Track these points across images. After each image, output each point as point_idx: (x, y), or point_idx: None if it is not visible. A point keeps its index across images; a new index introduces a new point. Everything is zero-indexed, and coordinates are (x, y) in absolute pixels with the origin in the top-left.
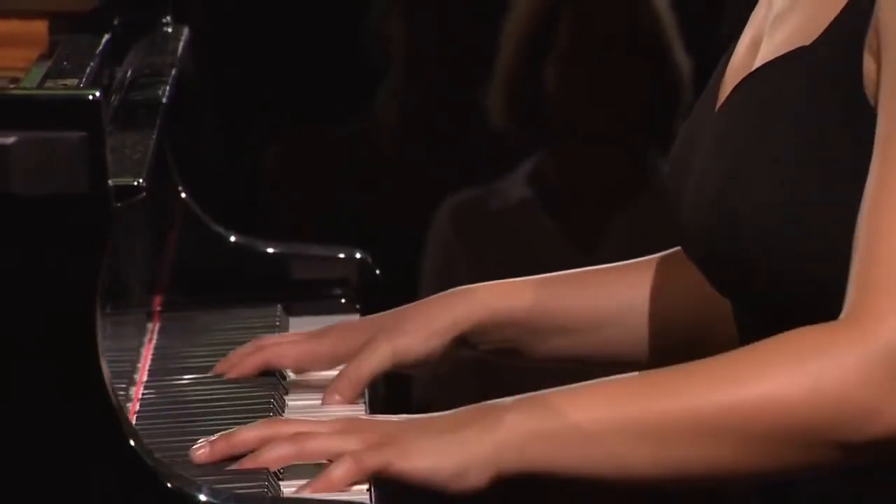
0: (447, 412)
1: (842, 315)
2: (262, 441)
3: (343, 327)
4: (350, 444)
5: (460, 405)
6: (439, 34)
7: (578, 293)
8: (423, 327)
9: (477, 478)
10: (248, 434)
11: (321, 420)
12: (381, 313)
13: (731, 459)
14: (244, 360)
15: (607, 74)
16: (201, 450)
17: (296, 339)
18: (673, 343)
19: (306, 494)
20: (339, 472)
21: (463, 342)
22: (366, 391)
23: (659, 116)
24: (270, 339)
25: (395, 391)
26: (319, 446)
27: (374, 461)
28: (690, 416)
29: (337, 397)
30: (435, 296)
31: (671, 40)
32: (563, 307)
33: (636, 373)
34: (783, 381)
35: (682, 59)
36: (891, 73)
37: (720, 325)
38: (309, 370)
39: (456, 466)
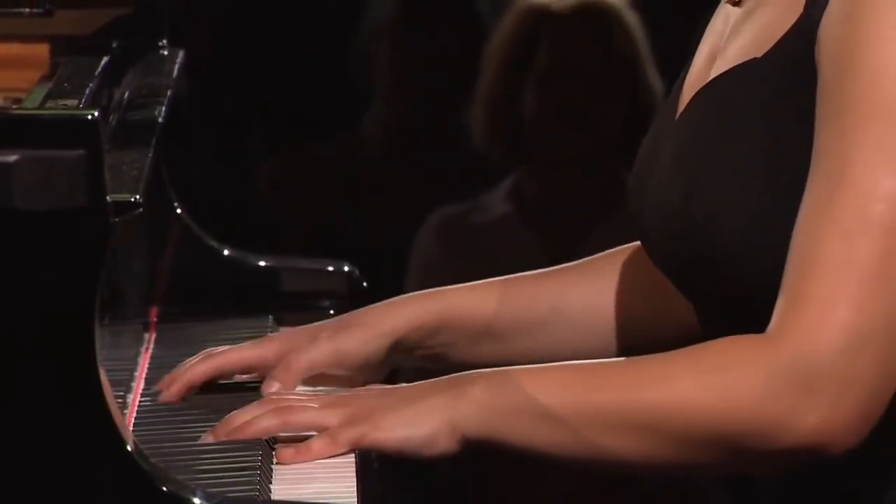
0: (419, 383)
1: (769, 327)
2: (254, 416)
3: (289, 331)
4: (329, 418)
5: None
6: (424, 57)
7: (510, 298)
8: (363, 330)
9: (445, 444)
10: (243, 413)
11: (309, 396)
12: (327, 320)
13: (650, 453)
14: (193, 368)
15: (583, 96)
16: (206, 437)
17: (244, 345)
18: (608, 343)
19: (288, 460)
20: (318, 444)
21: (402, 347)
22: None
23: (632, 136)
24: (220, 349)
25: None
26: (302, 419)
27: (350, 434)
28: (617, 410)
29: (275, 385)
30: (381, 302)
31: (645, 64)
32: (494, 312)
33: (590, 361)
34: (694, 387)
35: (655, 82)
36: (827, 90)
37: (660, 323)
38: (257, 373)
39: (426, 435)
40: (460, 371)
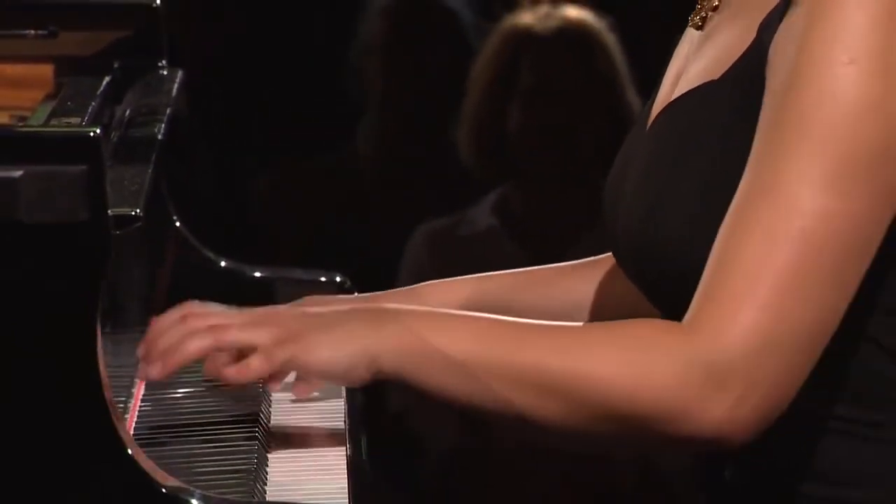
0: (341, 308)
1: (685, 318)
2: (183, 338)
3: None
4: (261, 337)
5: (437, 410)
6: (414, 76)
7: (531, 290)
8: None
9: (362, 373)
10: (168, 338)
11: (231, 312)
12: (333, 298)
13: (558, 416)
14: (190, 342)
15: (564, 114)
16: (142, 371)
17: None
18: None
19: (225, 375)
20: (255, 363)
21: None
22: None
23: (611, 153)
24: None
25: (372, 397)
26: (234, 337)
27: (282, 355)
28: (532, 370)
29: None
30: (400, 289)
31: (622, 84)
32: (516, 303)
33: (518, 319)
34: (611, 362)
35: (633, 101)
36: (770, 103)
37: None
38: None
39: (346, 361)
40: None
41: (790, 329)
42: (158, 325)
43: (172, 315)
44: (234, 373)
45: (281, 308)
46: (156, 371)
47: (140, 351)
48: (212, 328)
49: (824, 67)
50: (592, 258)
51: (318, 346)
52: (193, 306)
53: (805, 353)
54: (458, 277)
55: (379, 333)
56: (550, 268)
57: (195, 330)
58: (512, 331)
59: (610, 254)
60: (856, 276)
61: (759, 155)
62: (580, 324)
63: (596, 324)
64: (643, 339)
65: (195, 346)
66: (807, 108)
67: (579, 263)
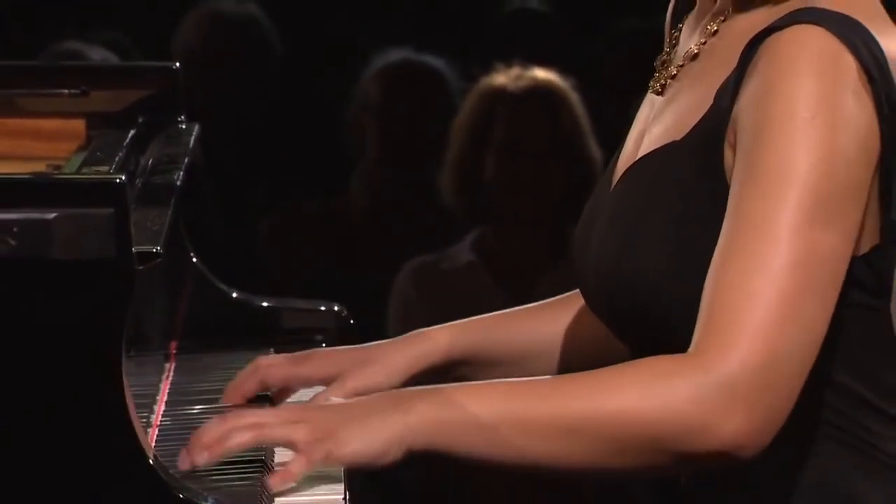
0: (369, 397)
1: (690, 349)
2: (228, 433)
3: (322, 355)
4: (298, 434)
5: None
6: (402, 132)
7: (510, 330)
8: (385, 367)
9: (395, 455)
10: (213, 433)
11: (266, 410)
12: (354, 347)
13: (586, 457)
14: (245, 383)
15: (534, 164)
16: (185, 460)
17: (284, 361)
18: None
19: (277, 487)
20: (296, 466)
21: (417, 380)
22: None
23: (575, 197)
24: (266, 359)
25: None
26: (274, 434)
27: (319, 453)
28: (558, 418)
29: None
30: (399, 338)
31: (585, 137)
32: (499, 343)
33: (530, 378)
34: (636, 397)
35: (595, 152)
36: (745, 157)
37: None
38: (293, 389)
39: (379, 448)
40: None
41: (787, 347)
42: (203, 427)
43: (216, 420)
44: (279, 480)
45: (311, 405)
46: (201, 458)
47: (192, 451)
48: (253, 425)
49: (790, 124)
50: (561, 296)
51: (351, 440)
52: (234, 411)
53: (801, 368)
54: (459, 322)
55: (408, 417)
56: (531, 307)
57: (237, 426)
58: (530, 388)
59: (573, 292)
60: (834, 299)
61: (740, 203)
62: (596, 371)
63: (605, 368)
64: (656, 371)
65: (237, 440)
66: (780, 159)
67: (550, 302)
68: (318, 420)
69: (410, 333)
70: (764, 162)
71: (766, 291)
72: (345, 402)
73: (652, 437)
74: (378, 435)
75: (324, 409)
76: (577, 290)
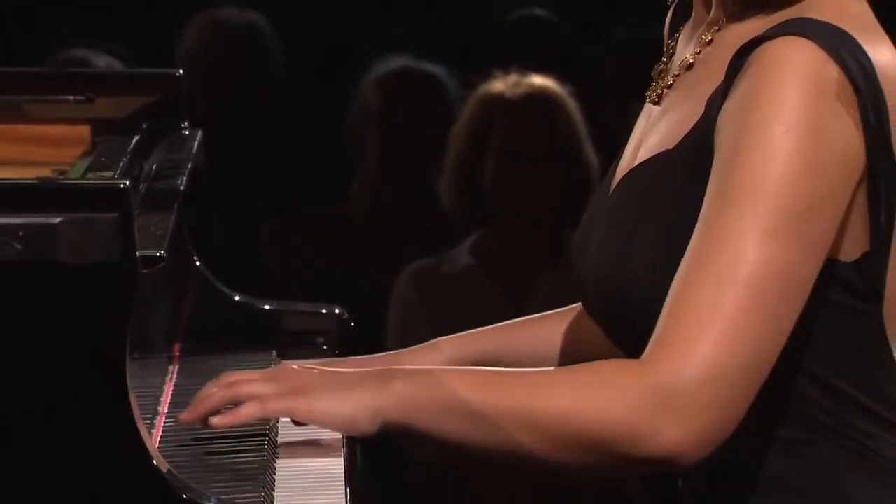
0: (355, 371)
1: (643, 354)
2: (206, 394)
3: (291, 369)
4: (267, 388)
5: None
6: (402, 137)
7: (520, 340)
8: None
9: (366, 425)
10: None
11: (255, 371)
12: (363, 358)
13: (541, 450)
14: (213, 396)
15: (532, 169)
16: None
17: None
18: None
19: (217, 424)
20: (246, 410)
21: None
22: None
23: (572, 201)
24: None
25: None
26: (244, 391)
27: (281, 405)
28: (506, 411)
29: None
30: (408, 349)
31: (582, 143)
32: (509, 352)
33: (500, 369)
34: (574, 398)
35: (591, 157)
36: (719, 167)
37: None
38: None
39: (347, 414)
40: None
41: (735, 362)
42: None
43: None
44: (219, 419)
45: (299, 365)
46: (188, 417)
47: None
48: (231, 384)
49: (764, 136)
50: (562, 309)
51: (319, 401)
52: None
53: (748, 383)
54: (468, 332)
55: (383, 390)
56: (539, 317)
57: (217, 384)
58: (497, 379)
59: (574, 305)
60: (792, 315)
61: (709, 211)
62: (553, 368)
63: (565, 367)
64: (601, 375)
65: (216, 398)
66: (749, 171)
67: (550, 314)
68: (296, 378)
69: (421, 345)
70: (734, 173)
71: (716, 304)
72: (330, 370)
73: (589, 438)
74: (348, 402)
75: (307, 370)
76: (578, 303)
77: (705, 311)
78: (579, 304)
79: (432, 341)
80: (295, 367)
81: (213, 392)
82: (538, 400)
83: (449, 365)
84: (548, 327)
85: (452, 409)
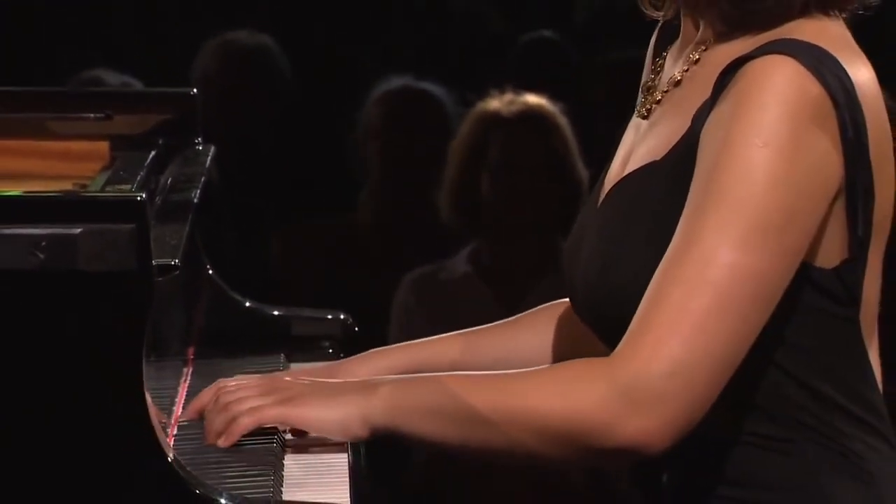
0: (342, 381)
1: (614, 351)
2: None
3: (291, 375)
4: (260, 401)
5: None
6: (403, 153)
7: (467, 349)
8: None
9: (357, 430)
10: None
11: (252, 383)
12: (316, 368)
13: (517, 445)
14: (213, 423)
15: (526, 182)
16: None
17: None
18: None
19: (222, 444)
20: (243, 421)
21: None
22: None
23: (564, 213)
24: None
25: None
26: (239, 409)
27: (272, 413)
28: (489, 412)
29: None
30: (358, 356)
31: (573, 158)
32: (453, 362)
33: (477, 373)
34: (548, 395)
35: (581, 172)
36: (698, 176)
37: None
38: None
39: (336, 419)
40: None
41: (699, 359)
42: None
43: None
44: (224, 441)
45: (287, 375)
46: (222, 443)
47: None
48: (231, 404)
49: (743, 149)
50: (545, 305)
51: (310, 407)
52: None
53: (712, 381)
54: (445, 335)
55: (370, 398)
56: (514, 320)
57: (214, 408)
58: (475, 381)
59: (557, 302)
60: (760, 318)
61: (686, 218)
62: (528, 370)
63: (538, 367)
64: (572, 372)
65: (215, 429)
66: (727, 182)
67: (537, 311)
68: (288, 388)
69: (371, 351)
70: (713, 182)
71: (685, 306)
72: (319, 380)
73: (560, 431)
74: (336, 408)
75: (296, 382)
76: (544, 306)
77: (675, 312)
78: (542, 306)
79: (367, 352)
80: (287, 378)
81: (212, 418)
82: (512, 398)
83: (389, 374)
84: (517, 332)
85: (433, 411)
